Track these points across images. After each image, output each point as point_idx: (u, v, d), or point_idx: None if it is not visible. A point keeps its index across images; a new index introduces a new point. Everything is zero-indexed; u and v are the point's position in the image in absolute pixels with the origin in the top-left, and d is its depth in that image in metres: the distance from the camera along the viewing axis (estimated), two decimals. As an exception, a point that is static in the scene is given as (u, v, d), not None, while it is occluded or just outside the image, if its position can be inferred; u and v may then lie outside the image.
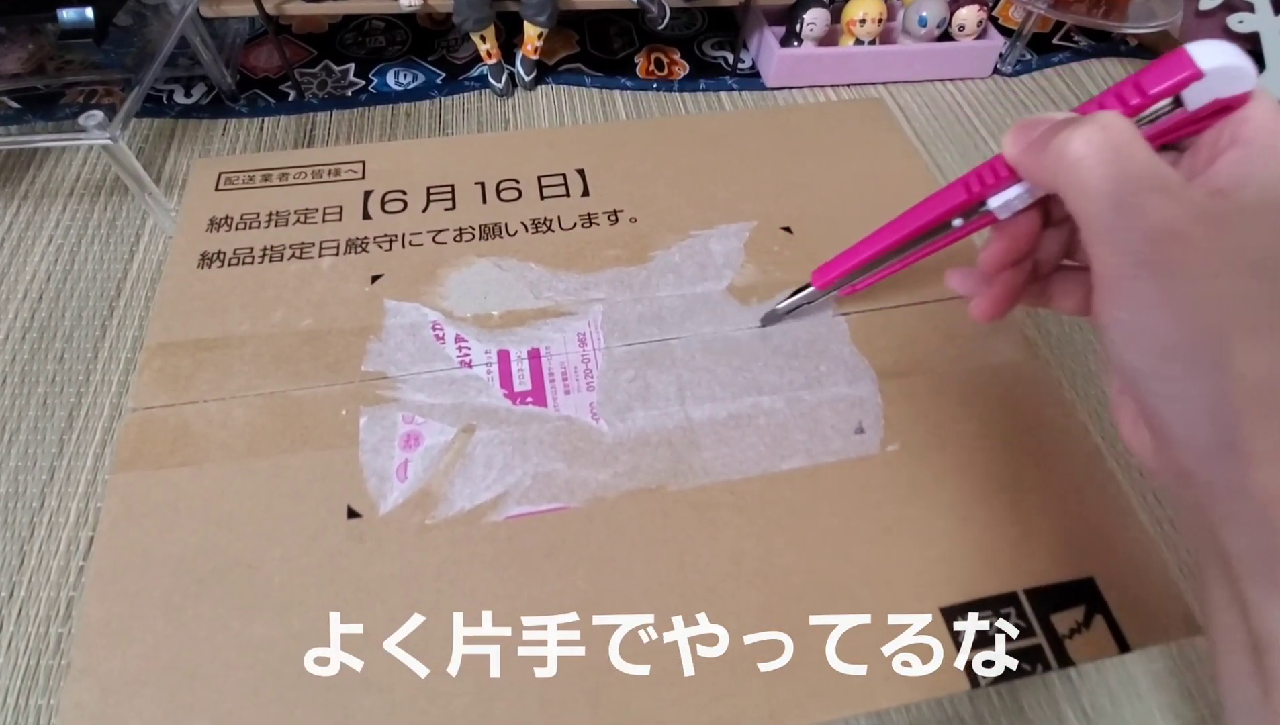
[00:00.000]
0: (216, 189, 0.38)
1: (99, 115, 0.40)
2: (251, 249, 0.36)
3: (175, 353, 0.32)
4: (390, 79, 0.59)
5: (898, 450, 0.31)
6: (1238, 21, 0.42)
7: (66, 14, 0.44)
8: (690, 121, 0.45)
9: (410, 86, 0.58)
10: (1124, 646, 0.27)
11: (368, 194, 0.38)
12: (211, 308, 0.34)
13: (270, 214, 0.37)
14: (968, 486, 0.30)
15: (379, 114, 0.56)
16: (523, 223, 0.37)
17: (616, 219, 0.38)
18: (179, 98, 0.56)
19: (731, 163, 0.41)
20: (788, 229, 0.38)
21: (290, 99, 0.57)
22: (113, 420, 0.39)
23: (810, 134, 0.43)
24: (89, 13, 0.44)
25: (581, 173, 0.40)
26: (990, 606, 0.27)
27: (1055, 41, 0.65)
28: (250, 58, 0.60)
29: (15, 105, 0.55)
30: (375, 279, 0.35)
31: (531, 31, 0.53)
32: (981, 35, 0.59)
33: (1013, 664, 0.26)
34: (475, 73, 0.59)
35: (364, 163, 0.40)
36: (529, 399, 0.31)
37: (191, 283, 0.35)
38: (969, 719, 0.33)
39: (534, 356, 0.32)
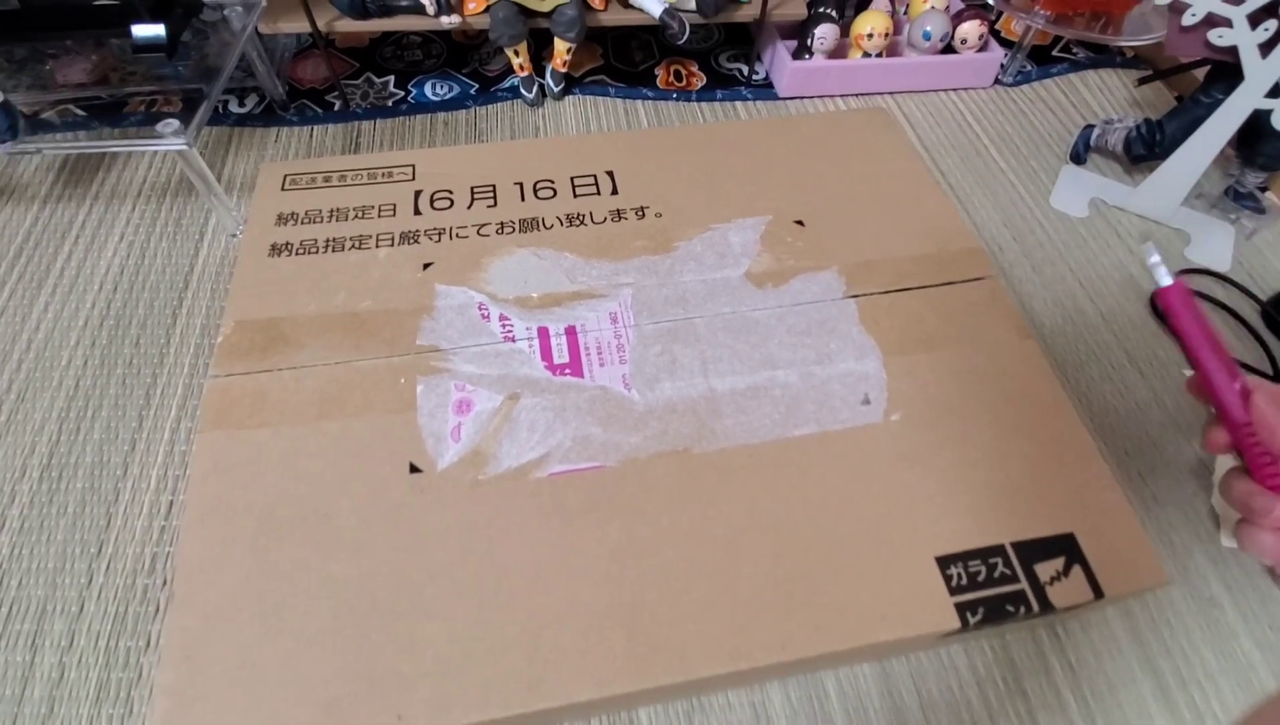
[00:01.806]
0: (283, 189, 0.42)
1: (175, 123, 0.44)
2: (316, 240, 0.40)
3: (251, 329, 0.36)
4: (428, 90, 0.63)
5: (899, 420, 0.34)
6: (1217, 36, 0.46)
7: (141, 31, 0.48)
8: (709, 129, 0.49)
9: (447, 97, 0.62)
10: (1099, 593, 0.30)
11: (418, 193, 0.42)
12: (281, 291, 0.38)
13: (331, 210, 0.41)
14: (962, 452, 0.33)
15: (419, 123, 0.60)
16: (558, 218, 0.41)
17: (643, 214, 0.42)
18: (234, 107, 0.61)
19: (747, 165, 0.45)
20: (800, 222, 0.41)
21: (336, 108, 0.61)
22: (185, 398, 0.43)
23: (819, 139, 0.47)
24: (161, 30, 0.48)
25: (610, 174, 0.44)
26: (980, 557, 0.31)
27: (1054, 53, 0.69)
28: (297, 70, 0.65)
29: (81, 112, 0.60)
30: (426, 266, 0.39)
31: (561, 46, 0.58)
32: (983, 48, 0.63)
33: (998, 605, 0.29)
34: (507, 84, 0.63)
35: (414, 166, 0.44)
36: (567, 370, 0.35)
37: (263, 269, 0.39)
38: (964, 669, 0.36)
39: (571, 333, 0.36)
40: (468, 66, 0.66)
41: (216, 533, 0.30)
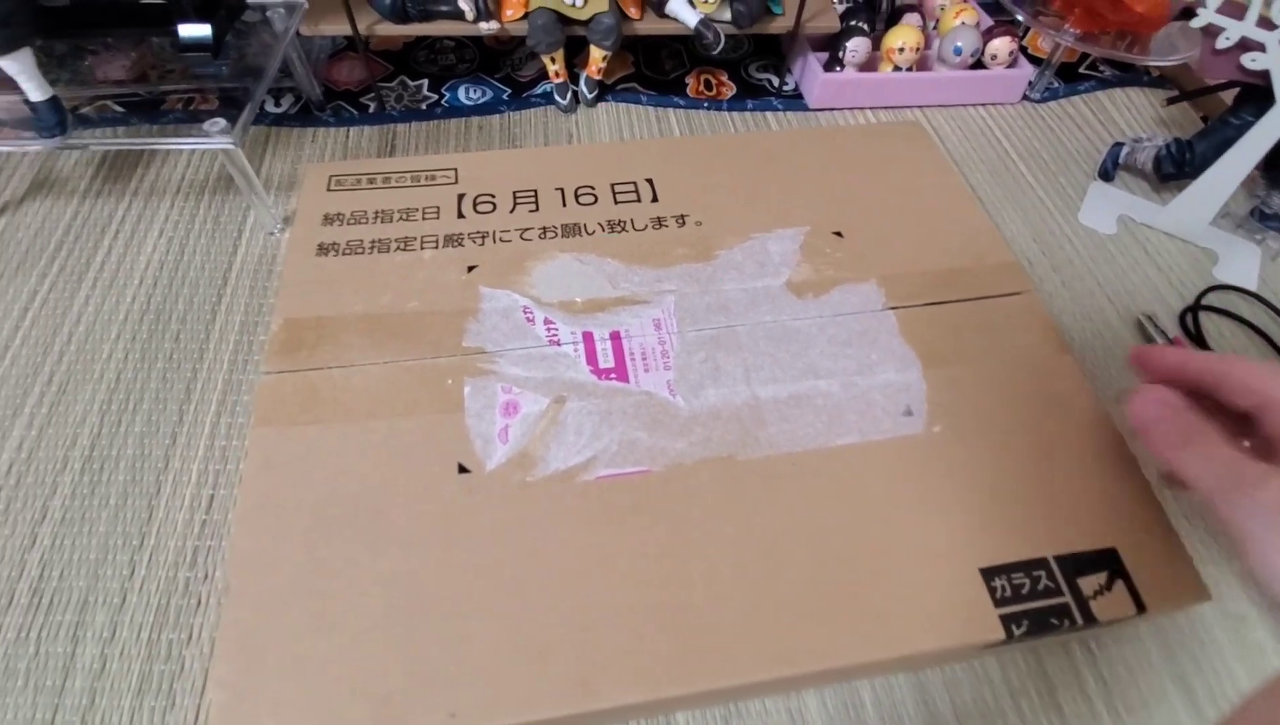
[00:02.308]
0: (328, 190, 0.43)
1: (222, 122, 0.45)
2: (362, 241, 0.40)
3: (300, 327, 0.37)
4: (461, 94, 0.64)
5: (941, 431, 0.34)
6: (1250, 60, 0.46)
7: (187, 31, 0.49)
8: (746, 139, 0.49)
9: (480, 101, 0.63)
10: (1141, 608, 0.31)
11: (460, 196, 0.43)
12: (329, 290, 0.38)
13: (376, 212, 0.42)
14: (1004, 464, 0.34)
15: (453, 126, 0.61)
16: (599, 224, 0.42)
17: (683, 222, 0.42)
18: (270, 107, 0.62)
19: (785, 176, 0.45)
20: (838, 233, 0.42)
21: (371, 110, 0.62)
22: (225, 393, 0.44)
23: (856, 152, 0.47)
24: (207, 30, 0.49)
25: (650, 182, 0.44)
26: (1023, 569, 0.31)
27: (1081, 71, 0.69)
28: (332, 71, 0.65)
29: (119, 109, 0.61)
30: (471, 269, 0.39)
31: (597, 54, 0.58)
32: (1012, 64, 0.63)
33: (1042, 617, 0.30)
34: (539, 90, 0.64)
35: (456, 170, 0.44)
36: (612, 375, 0.35)
37: (310, 269, 0.39)
38: (998, 681, 0.36)
39: (615, 338, 0.37)
40: (500, 71, 0.66)
41: (269, 528, 0.31)
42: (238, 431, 0.42)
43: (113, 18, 0.49)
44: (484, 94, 0.64)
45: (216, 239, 0.52)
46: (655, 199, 0.43)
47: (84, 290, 0.48)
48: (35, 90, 0.42)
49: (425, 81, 0.65)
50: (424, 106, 0.62)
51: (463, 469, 0.32)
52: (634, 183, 0.44)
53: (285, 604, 0.29)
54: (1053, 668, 0.36)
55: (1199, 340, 0.49)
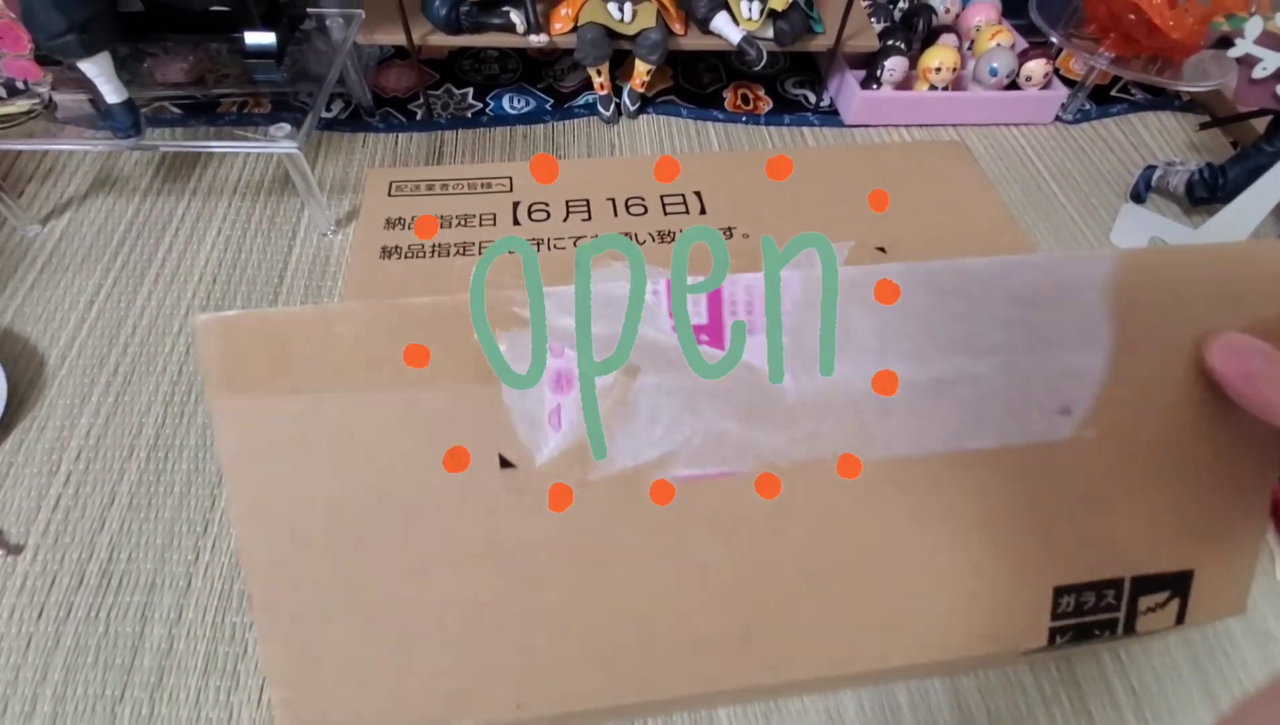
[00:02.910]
0: (389, 195, 0.45)
1: (287, 127, 0.46)
2: (422, 245, 0.42)
3: None
4: (505, 103, 0.65)
5: (1095, 438, 0.29)
6: (1288, 89, 0.47)
7: (253, 38, 0.51)
8: (791, 154, 0.50)
9: (524, 111, 0.65)
10: (1180, 621, 0.31)
11: (516, 204, 0.44)
12: (392, 292, 0.40)
13: (437, 217, 0.43)
14: (1144, 481, 0.29)
15: (498, 134, 0.62)
16: (650, 234, 0.43)
17: (731, 234, 0.43)
18: (321, 112, 0.63)
19: (830, 191, 0.46)
20: (882, 249, 0.43)
21: (418, 117, 0.63)
22: (282, 388, 0.45)
23: (900, 169, 0.48)
24: (272, 38, 0.50)
25: (698, 194, 0.46)
26: (1095, 589, 0.29)
27: (1114, 94, 0.71)
28: (380, 78, 0.67)
29: (176, 111, 0.63)
30: None
31: (641, 68, 0.60)
32: (1046, 86, 0.65)
33: (1087, 629, 0.30)
34: (581, 100, 0.66)
35: (511, 178, 0.46)
36: (704, 337, 0.27)
37: (374, 271, 0.41)
38: (1031, 688, 0.37)
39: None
40: (542, 82, 0.68)
41: (280, 533, 0.26)
42: (295, 425, 0.44)
43: (182, 23, 0.51)
44: (527, 103, 0.66)
45: (272, 238, 0.53)
46: (703, 211, 0.45)
47: (146, 285, 0.50)
48: (112, 93, 0.44)
49: (470, 90, 0.67)
50: (469, 115, 0.64)
51: (505, 463, 0.26)
52: (682, 195, 0.46)
53: (324, 616, 0.27)
54: (1084, 675, 0.37)
55: (1228, 362, 0.50)
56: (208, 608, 0.38)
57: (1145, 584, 0.30)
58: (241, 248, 0.53)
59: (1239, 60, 0.49)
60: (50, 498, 0.41)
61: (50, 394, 0.45)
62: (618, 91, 0.64)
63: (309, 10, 0.55)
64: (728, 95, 0.68)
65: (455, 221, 0.43)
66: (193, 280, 0.51)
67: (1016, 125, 0.66)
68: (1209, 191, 0.56)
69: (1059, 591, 0.29)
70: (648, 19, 0.56)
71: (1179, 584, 0.30)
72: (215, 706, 0.35)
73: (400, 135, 0.62)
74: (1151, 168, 0.59)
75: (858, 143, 0.64)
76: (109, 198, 0.56)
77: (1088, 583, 0.29)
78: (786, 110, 0.67)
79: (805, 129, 0.65)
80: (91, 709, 0.35)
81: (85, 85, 0.45)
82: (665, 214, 0.45)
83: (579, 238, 0.43)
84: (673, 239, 0.43)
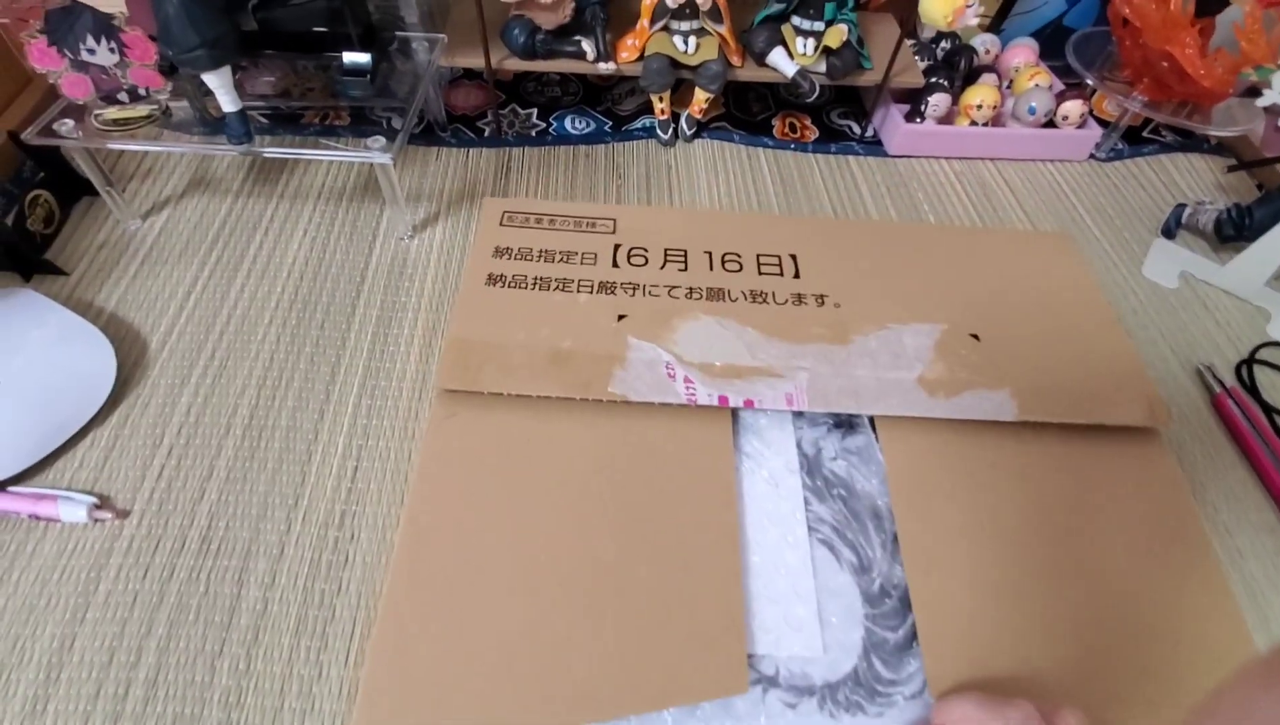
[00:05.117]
0: (500, 224, 0.48)
1: (382, 140, 0.50)
2: (526, 277, 0.45)
3: (468, 347, 0.41)
4: (567, 124, 0.70)
5: None
6: (1315, 137, 0.50)
7: (351, 58, 0.55)
8: (892, 227, 0.50)
9: (585, 131, 0.69)
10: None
11: (616, 247, 0.47)
12: (495, 317, 0.43)
13: (541, 251, 0.46)
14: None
15: (562, 153, 0.66)
16: (742, 292, 0.45)
17: (823, 302, 0.45)
18: (397, 126, 0.68)
19: (927, 269, 0.46)
20: (975, 336, 0.43)
21: (487, 134, 0.68)
22: (365, 378, 0.49)
23: (1003, 255, 0.47)
24: (368, 58, 0.55)
25: (794, 257, 0.47)
26: None
27: (1145, 135, 0.74)
28: (449, 96, 0.72)
29: (264, 120, 0.67)
30: (621, 317, 0.43)
31: (701, 96, 0.64)
32: (1082, 125, 0.68)
33: None
34: (639, 124, 0.70)
35: (615, 220, 0.49)
36: None
37: (481, 296, 0.44)
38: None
39: (749, 407, 0.39)
40: (601, 105, 0.72)
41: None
42: (377, 412, 0.47)
43: (288, 42, 0.55)
44: (588, 125, 0.70)
45: (354, 241, 0.57)
46: (797, 275, 0.46)
47: (239, 279, 0.54)
48: (229, 102, 0.48)
49: (534, 110, 0.71)
50: (534, 133, 0.68)
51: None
52: (778, 257, 0.47)
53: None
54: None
55: (1253, 390, 0.52)
56: (299, 574, 0.41)
57: None
58: (326, 248, 0.57)
59: (1266, 109, 0.52)
60: (154, 468, 0.44)
61: (153, 374, 0.49)
62: (675, 117, 0.68)
63: (398, 34, 0.59)
64: (776, 123, 0.72)
65: (558, 257, 0.46)
66: (281, 276, 0.55)
67: (1053, 161, 0.69)
68: (1236, 230, 0.59)
69: None
70: (710, 51, 0.60)
71: None
72: (306, 664, 0.38)
73: (471, 150, 0.66)
74: (1182, 206, 0.62)
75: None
76: (204, 197, 0.60)
77: None
78: (832, 139, 0.70)
79: (850, 157, 0.68)
80: (193, 661, 0.38)
81: (190, 95, 0.50)
82: (760, 273, 0.46)
83: (673, 287, 0.45)
84: (765, 299, 0.45)
